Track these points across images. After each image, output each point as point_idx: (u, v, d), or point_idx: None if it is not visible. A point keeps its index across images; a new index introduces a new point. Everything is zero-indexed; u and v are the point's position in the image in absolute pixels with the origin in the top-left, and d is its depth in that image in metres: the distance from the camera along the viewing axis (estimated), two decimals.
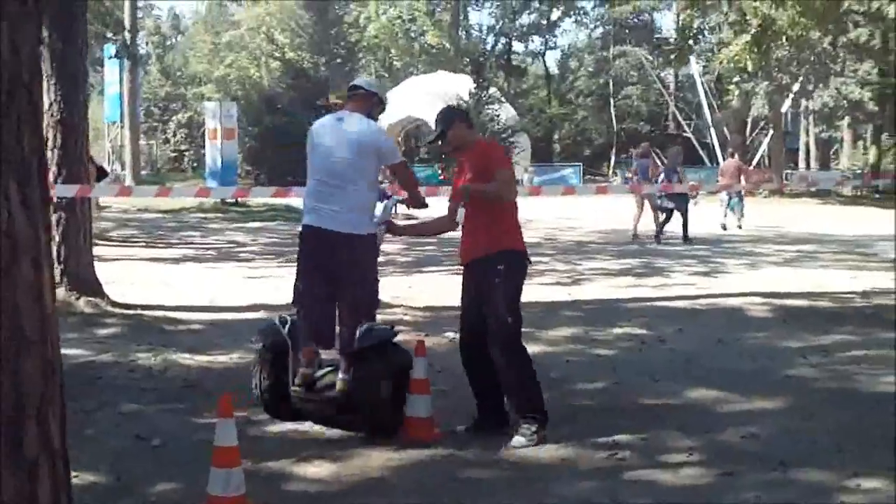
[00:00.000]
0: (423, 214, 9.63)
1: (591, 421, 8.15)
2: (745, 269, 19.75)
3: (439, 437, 7.74)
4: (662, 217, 25.83)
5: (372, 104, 8.45)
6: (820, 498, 6.59)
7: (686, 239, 25.36)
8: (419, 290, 15.67)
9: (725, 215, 29.72)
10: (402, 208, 9.51)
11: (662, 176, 25.92)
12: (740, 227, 29.48)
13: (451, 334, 11.76)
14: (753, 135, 66.27)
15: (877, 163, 58.52)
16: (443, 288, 15.45)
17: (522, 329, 8.11)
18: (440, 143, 8.39)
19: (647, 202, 26.08)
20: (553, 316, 13.39)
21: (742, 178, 31.05)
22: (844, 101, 54.05)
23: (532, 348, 10.57)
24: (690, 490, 6.71)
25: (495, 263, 7.86)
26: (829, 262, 21.54)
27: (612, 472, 7.01)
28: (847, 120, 61.46)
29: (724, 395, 9.27)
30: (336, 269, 8.11)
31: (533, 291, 15.52)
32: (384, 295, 14.85)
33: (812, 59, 50.54)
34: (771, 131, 61.61)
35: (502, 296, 7.85)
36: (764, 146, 65.09)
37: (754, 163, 63.52)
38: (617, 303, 14.85)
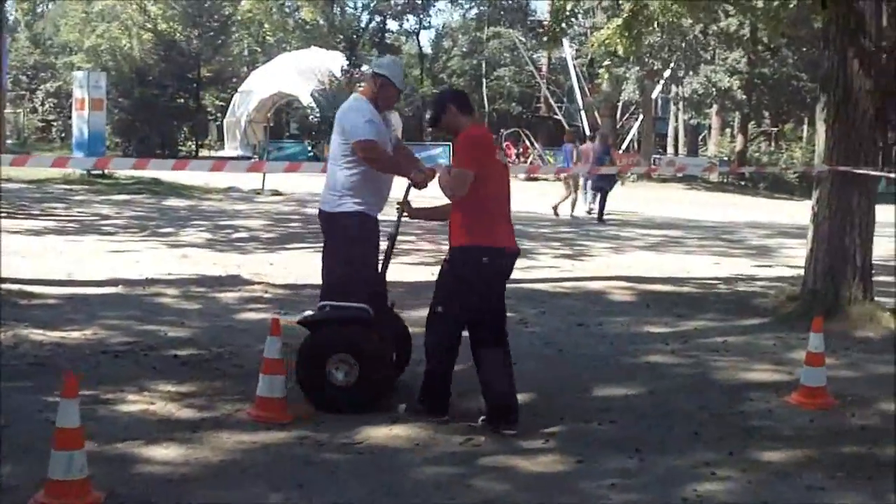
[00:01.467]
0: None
1: (449, 404, 8.03)
2: (610, 252, 19.85)
3: (293, 418, 7.60)
4: (598, 197, 27.40)
5: (378, 85, 8.23)
6: (674, 485, 6.61)
7: (600, 218, 26.89)
8: (282, 267, 15.42)
9: (593, 199, 29.74)
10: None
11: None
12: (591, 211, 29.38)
13: (309, 313, 11.58)
14: (624, 119, 66.89)
15: (743, 150, 59.38)
16: (305, 265, 15.31)
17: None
18: (435, 127, 8.26)
19: (578, 183, 28.17)
20: (415, 296, 13.22)
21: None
22: (713, 89, 54.71)
23: None
24: (546, 477, 6.68)
25: (451, 257, 7.84)
26: (693, 247, 21.77)
27: (467, 458, 6.95)
28: (715, 107, 62.25)
29: (583, 380, 9.27)
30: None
31: (396, 271, 15.43)
32: (243, 272, 14.78)
33: (683, 46, 51.12)
34: (641, 116, 62.29)
35: (441, 286, 7.86)
36: (634, 131, 65.80)
37: (623, 147, 64.12)
38: None
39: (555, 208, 27.64)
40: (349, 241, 8.09)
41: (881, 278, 14.77)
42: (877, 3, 12.68)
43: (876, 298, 12.94)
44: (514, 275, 15.40)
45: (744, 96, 56.00)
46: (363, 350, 7.89)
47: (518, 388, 8.43)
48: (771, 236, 25.27)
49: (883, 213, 14.59)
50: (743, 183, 55.22)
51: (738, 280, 16.51)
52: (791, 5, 15.52)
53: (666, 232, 25.05)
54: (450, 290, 7.77)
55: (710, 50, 54.10)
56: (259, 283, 13.86)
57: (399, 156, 8.59)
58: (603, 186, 27.29)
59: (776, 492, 6.57)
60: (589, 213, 28.31)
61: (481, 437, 7.39)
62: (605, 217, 27.05)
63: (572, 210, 27.77)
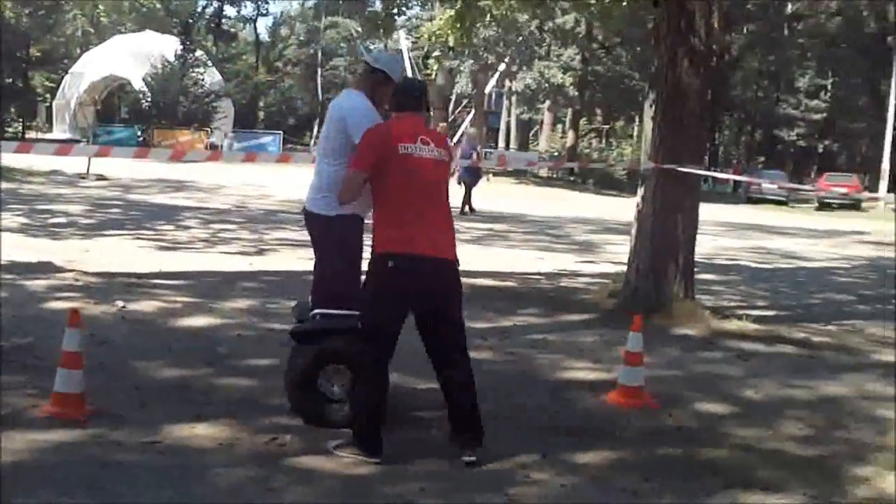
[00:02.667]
0: None
1: (256, 402, 7.77)
2: None
3: (91, 415, 7.20)
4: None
5: (374, 81, 7.77)
6: (486, 489, 6.40)
7: (462, 212, 27.79)
8: (97, 255, 14.92)
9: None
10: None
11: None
12: None
13: (121, 303, 11.18)
14: (456, 112, 67.14)
15: (574, 147, 60.06)
16: (122, 253, 14.86)
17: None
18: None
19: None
20: (231, 286, 12.93)
21: None
22: (546, 85, 55.18)
23: (203, 320, 10.22)
24: (352, 480, 6.39)
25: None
26: (518, 241, 21.79)
27: (271, 459, 6.61)
28: (548, 103, 62.83)
29: (394, 378, 8.96)
30: (314, 249, 7.89)
31: (214, 260, 15.11)
32: (56, 258, 14.25)
33: (519, 40, 51.43)
34: (473, 110, 62.55)
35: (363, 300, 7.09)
36: (466, 124, 66.05)
37: (454, 140, 64.32)
38: (299, 275, 14.32)
39: (464, 207, 28.69)
40: (343, 245, 7.59)
41: (702, 276, 14.87)
42: (707, 4, 12.71)
43: (697, 296, 12.98)
44: None
45: (576, 93, 56.66)
46: (359, 360, 7.26)
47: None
48: (596, 232, 25.45)
49: (706, 211, 14.65)
50: (572, 178, 55.81)
51: (561, 275, 16.50)
52: (623, 2, 15.55)
53: (491, 226, 25.06)
54: (364, 303, 7.02)
55: (545, 46, 54.58)
56: (71, 270, 13.34)
57: None
58: (467, 181, 28.96)
59: (589, 495, 6.41)
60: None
61: (287, 435, 7.06)
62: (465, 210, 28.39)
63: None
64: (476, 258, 17.71)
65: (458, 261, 7.18)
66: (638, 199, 13.14)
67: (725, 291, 16.09)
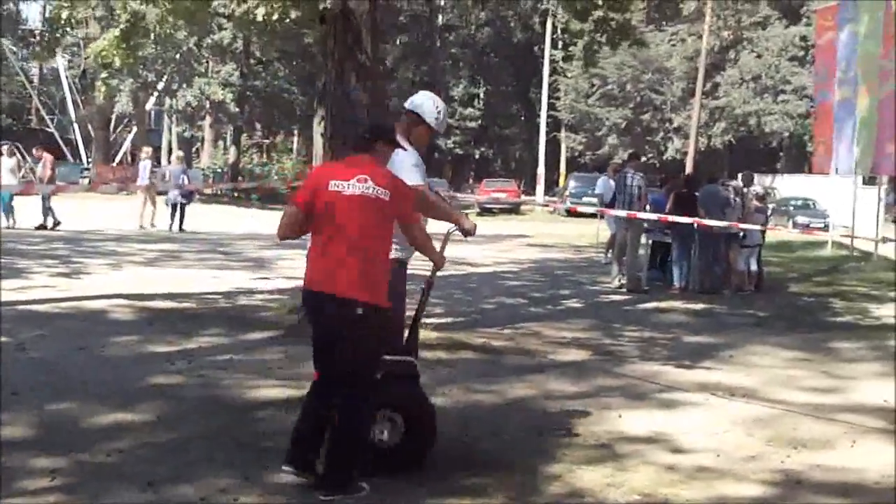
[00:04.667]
0: None
1: None
2: (107, 269, 19.20)
3: None
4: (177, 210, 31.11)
5: (408, 122, 7.81)
6: None
7: (182, 230, 30.55)
8: None
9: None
10: None
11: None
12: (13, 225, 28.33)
13: None
14: (117, 132, 66.01)
15: (236, 162, 59.95)
16: None
17: None
18: None
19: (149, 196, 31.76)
20: None
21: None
22: (207, 101, 54.92)
23: None
24: None
25: None
26: (192, 261, 21.55)
27: None
28: (209, 119, 62.51)
29: (88, 408, 8.74)
30: None
31: None
32: None
33: (178, 58, 51.06)
34: (135, 128, 61.70)
35: None
36: (127, 143, 65.00)
37: (118, 159, 63.28)
38: None
39: (149, 223, 31.09)
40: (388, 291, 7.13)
41: None
42: (372, 21, 12.88)
43: None
44: (8, 296, 14.73)
45: (237, 109, 56.57)
46: (409, 406, 7.23)
47: (20, 419, 7.95)
48: (267, 248, 25.35)
49: None
50: (236, 194, 55.62)
51: (238, 294, 16.39)
52: (288, 19, 15.60)
53: (163, 246, 24.67)
54: None
55: (204, 62, 54.40)
56: None
57: (439, 199, 8.14)
58: (181, 202, 31.07)
59: None
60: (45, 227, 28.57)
61: None
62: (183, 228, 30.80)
63: (151, 220, 31.48)
64: (152, 280, 17.48)
65: (358, 297, 6.77)
66: None
67: None
